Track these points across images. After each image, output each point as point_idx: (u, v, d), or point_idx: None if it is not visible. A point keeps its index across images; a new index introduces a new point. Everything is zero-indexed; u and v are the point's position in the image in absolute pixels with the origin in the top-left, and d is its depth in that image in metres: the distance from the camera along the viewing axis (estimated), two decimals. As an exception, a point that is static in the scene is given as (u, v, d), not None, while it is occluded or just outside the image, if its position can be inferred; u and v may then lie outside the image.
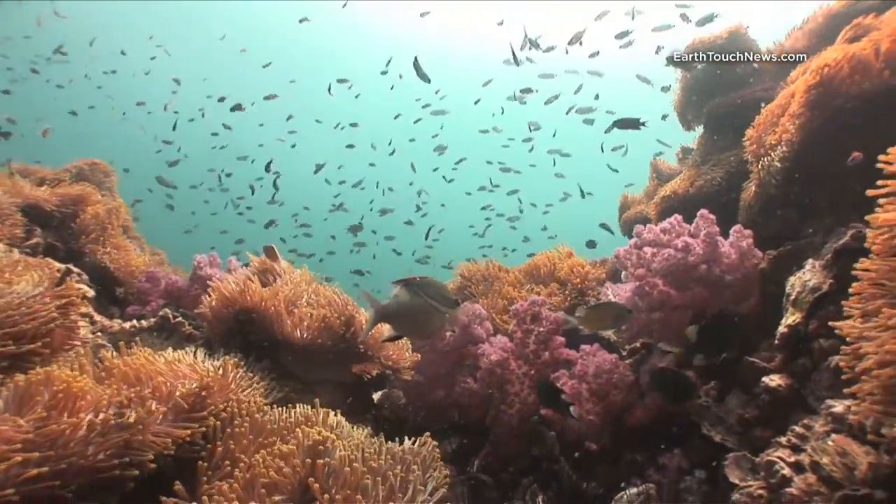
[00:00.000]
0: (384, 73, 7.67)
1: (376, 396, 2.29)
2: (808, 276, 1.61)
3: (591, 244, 4.04)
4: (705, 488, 1.61)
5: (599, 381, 1.88)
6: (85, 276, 2.15)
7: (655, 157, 3.35)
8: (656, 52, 3.77)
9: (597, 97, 6.23)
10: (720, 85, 2.66)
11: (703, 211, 1.89)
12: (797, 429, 1.38)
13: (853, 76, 1.75)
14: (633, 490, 1.61)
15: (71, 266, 2.10)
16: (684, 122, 2.94)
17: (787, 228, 2.08)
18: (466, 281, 2.88)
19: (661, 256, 1.86)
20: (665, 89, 3.32)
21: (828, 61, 1.80)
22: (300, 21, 8.92)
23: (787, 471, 1.30)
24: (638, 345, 2.15)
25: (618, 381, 1.87)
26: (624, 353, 2.18)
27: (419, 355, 2.14)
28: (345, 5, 10.18)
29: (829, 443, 1.24)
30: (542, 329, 1.96)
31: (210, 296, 2.05)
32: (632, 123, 2.25)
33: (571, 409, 1.68)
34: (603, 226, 4.33)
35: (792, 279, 1.68)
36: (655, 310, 1.92)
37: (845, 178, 1.88)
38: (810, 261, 1.66)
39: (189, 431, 1.40)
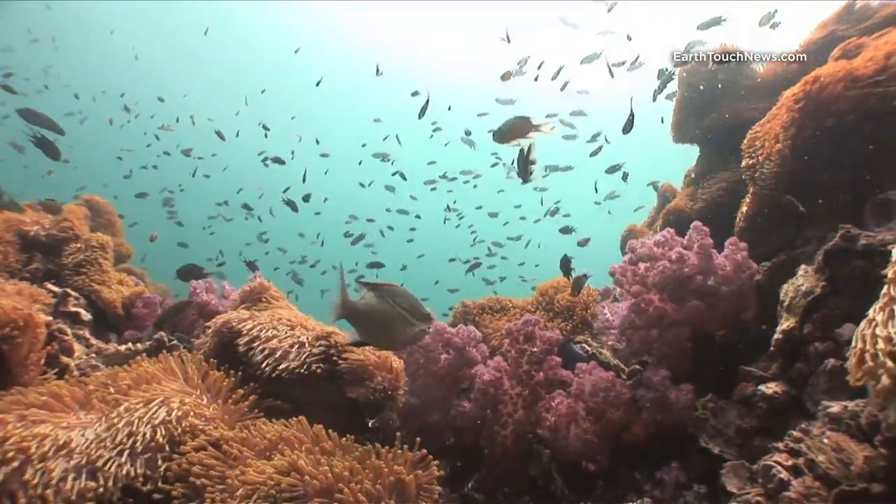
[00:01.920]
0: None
1: (371, 422, 2.24)
2: (800, 281, 1.59)
3: (565, 230, 3.99)
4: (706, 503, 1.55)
5: (596, 399, 1.84)
6: (82, 301, 2.17)
7: (660, 183, 3.35)
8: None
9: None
10: (714, 104, 2.69)
11: (697, 223, 1.88)
12: (795, 433, 1.33)
13: (840, 90, 1.76)
14: (630, 506, 1.55)
15: (69, 290, 2.12)
16: (681, 141, 2.96)
17: (785, 245, 2.06)
18: (468, 307, 2.87)
19: (655, 269, 1.84)
20: (663, 88, 3.32)
21: (815, 75, 1.82)
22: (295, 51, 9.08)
23: (784, 474, 1.25)
24: (637, 366, 2.11)
25: (615, 399, 1.82)
26: (624, 377, 2.13)
27: (413, 378, 2.13)
28: (297, 51, 10.46)
29: (825, 441, 1.20)
30: (535, 349, 1.93)
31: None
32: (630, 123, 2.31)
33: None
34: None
35: (785, 286, 1.66)
36: (653, 326, 1.89)
37: (837, 189, 1.88)
38: (803, 266, 1.64)
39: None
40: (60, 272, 2.27)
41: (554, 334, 1.94)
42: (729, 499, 1.39)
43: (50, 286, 2.09)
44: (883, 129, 1.69)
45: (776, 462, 1.29)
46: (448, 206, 8.78)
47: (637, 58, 5.39)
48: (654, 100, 3.30)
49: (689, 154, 3.05)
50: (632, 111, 2.72)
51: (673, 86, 3.13)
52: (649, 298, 1.88)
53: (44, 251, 2.26)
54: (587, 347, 2.51)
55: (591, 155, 4.69)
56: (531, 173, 2.00)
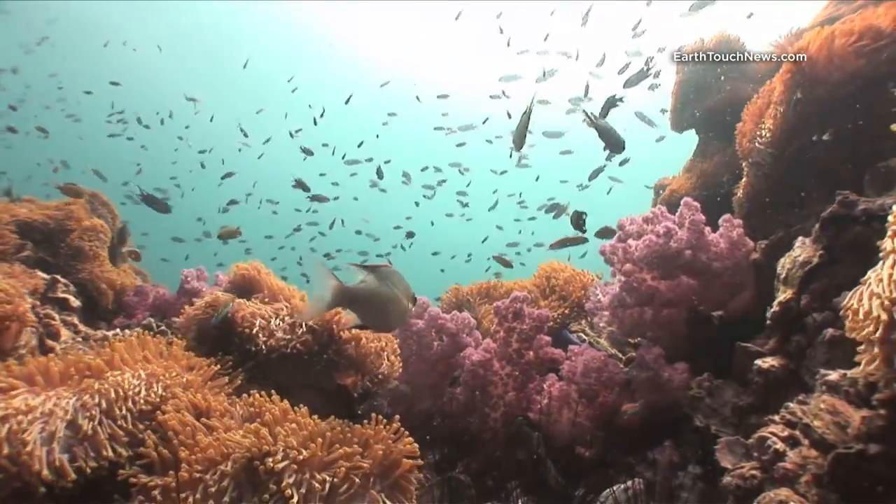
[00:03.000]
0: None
1: (360, 409, 2.16)
2: (797, 252, 1.50)
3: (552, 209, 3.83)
4: (701, 485, 1.44)
5: (588, 380, 1.75)
6: (72, 288, 2.11)
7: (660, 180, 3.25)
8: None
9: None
10: (711, 89, 2.60)
11: (687, 199, 1.79)
12: (791, 405, 1.24)
13: (826, 53, 1.68)
14: (620, 487, 1.45)
15: (57, 276, 2.07)
16: (678, 128, 2.86)
17: (784, 226, 1.96)
18: (460, 293, 2.78)
19: (641, 243, 1.75)
20: (654, 87, 3.24)
21: (800, 45, 1.74)
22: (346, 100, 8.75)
23: (779, 445, 1.15)
24: (633, 354, 2.02)
25: (607, 380, 1.74)
26: (621, 365, 2.04)
27: (404, 365, 2.05)
28: (294, 90, 10.22)
29: (821, 405, 1.10)
30: (524, 327, 1.84)
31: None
32: (610, 104, 2.20)
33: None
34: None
35: (782, 259, 1.56)
36: (644, 304, 1.80)
37: (836, 163, 1.79)
38: (800, 238, 1.54)
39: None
40: (53, 260, 2.23)
41: (543, 311, 1.86)
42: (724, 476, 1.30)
43: (40, 273, 2.05)
44: (876, 96, 1.60)
45: (771, 433, 1.19)
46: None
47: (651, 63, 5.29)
48: (625, 87, 3.19)
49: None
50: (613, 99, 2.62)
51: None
52: (641, 277, 1.79)
53: (37, 240, 2.22)
54: (584, 336, 2.41)
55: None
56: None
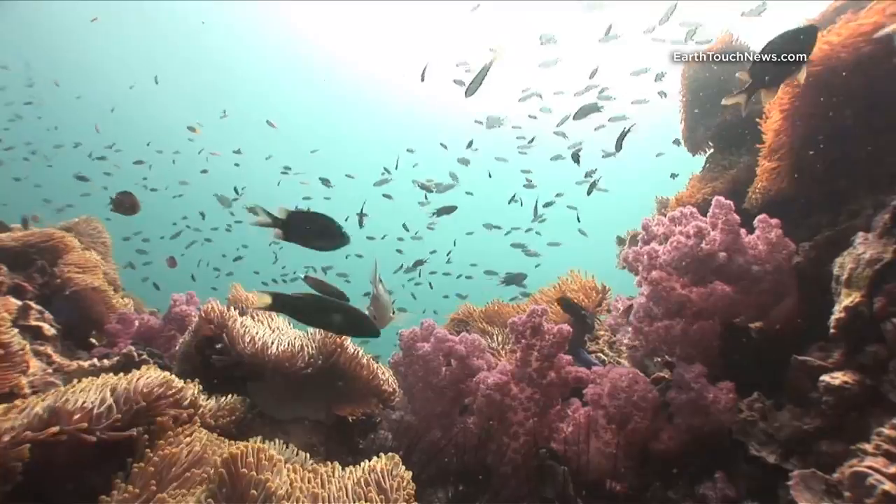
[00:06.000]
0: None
1: (361, 444, 1.84)
2: (861, 250, 1.21)
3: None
4: (764, 527, 1.13)
5: (617, 402, 1.44)
6: (48, 315, 1.82)
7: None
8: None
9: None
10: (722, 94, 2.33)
11: (719, 198, 1.51)
12: (886, 431, 0.93)
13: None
14: (672, 530, 1.14)
15: (31, 303, 1.78)
16: (696, 149, 2.57)
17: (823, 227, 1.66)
18: (466, 316, 2.48)
19: (668, 245, 1.46)
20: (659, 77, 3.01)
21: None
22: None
23: (888, 486, 0.85)
24: (661, 374, 1.71)
25: (639, 400, 1.43)
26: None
27: (409, 393, 1.76)
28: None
29: (950, 434, 0.80)
30: (544, 343, 1.54)
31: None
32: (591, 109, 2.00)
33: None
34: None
35: (839, 259, 1.27)
36: (674, 317, 1.50)
37: (881, 154, 1.51)
38: (860, 234, 1.25)
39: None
40: (32, 285, 1.94)
41: (564, 326, 1.56)
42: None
43: (12, 299, 1.76)
44: None
45: (870, 469, 0.89)
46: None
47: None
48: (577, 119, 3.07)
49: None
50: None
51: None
52: (670, 286, 1.49)
53: (12, 264, 1.93)
54: (603, 357, 2.11)
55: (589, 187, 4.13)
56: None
